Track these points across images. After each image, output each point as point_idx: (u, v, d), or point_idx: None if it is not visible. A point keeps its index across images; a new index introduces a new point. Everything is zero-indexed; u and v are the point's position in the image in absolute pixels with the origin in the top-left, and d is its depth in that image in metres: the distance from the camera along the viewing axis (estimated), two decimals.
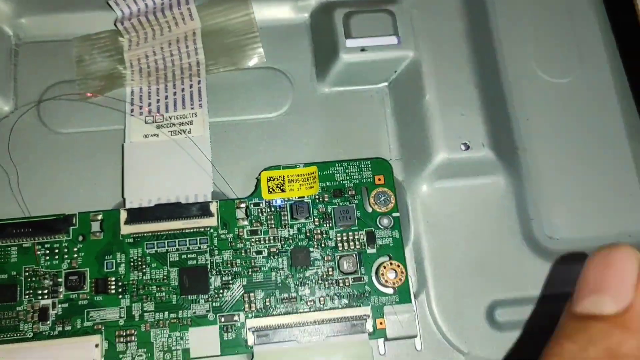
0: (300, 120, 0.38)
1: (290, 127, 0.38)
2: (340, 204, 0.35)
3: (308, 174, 0.35)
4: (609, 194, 0.36)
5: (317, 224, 0.35)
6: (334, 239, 0.34)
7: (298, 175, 0.35)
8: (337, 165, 0.36)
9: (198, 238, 0.34)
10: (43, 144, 0.36)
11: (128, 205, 0.34)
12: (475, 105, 0.37)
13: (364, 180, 0.36)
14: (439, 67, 0.37)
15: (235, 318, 0.33)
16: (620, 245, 0.25)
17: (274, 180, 0.35)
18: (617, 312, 0.24)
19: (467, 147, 0.36)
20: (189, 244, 0.34)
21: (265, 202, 0.35)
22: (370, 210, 0.35)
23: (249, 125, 0.37)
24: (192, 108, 0.36)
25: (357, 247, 0.34)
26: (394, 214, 0.35)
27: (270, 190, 0.35)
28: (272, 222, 0.35)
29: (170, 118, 0.36)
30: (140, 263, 0.33)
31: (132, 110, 0.36)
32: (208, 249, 0.34)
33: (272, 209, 0.35)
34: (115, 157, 0.36)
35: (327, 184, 0.35)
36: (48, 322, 0.32)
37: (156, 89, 0.37)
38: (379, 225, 0.35)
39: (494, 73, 0.38)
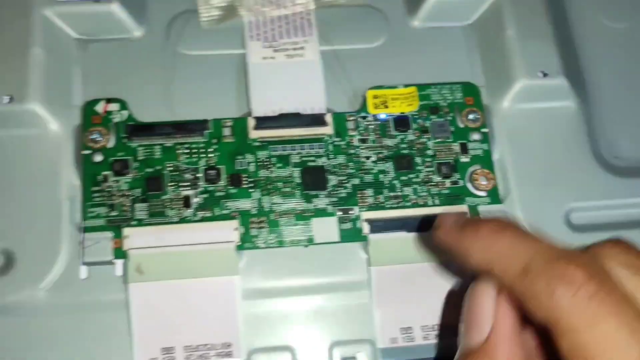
0: (395, 51, 0.43)
1: (388, 56, 0.43)
2: (437, 119, 0.40)
3: (408, 93, 0.40)
4: None
5: (417, 135, 0.39)
6: (432, 148, 0.39)
7: (399, 95, 0.40)
8: (432, 87, 0.41)
9: (316, 144, 0.39)
10: (174, 64, 0.41)
11: (255, 115, 0.39)
12: (550, 38, 0.42)
13: (456, 100, 0.41)
14: (518, 5, 0.43)
15: (351, 211, 0.38)
16: (478, 282, 0.27)
17: (378, 97, 0.40)
18: (479, 345, 0.26)
19: (545, 75, 0.41)
20: (308, 149, 0.39)
21: (372, 116, 0.40)
22: (462, 126, 0.40)
23: (352, 53, 0.42)
24: (304, 36, 0.41)
25: (453, 155, 0.39)
26: (483, 130, 0.40)
27: (375, 106, 0.40)
28: (378, 132, 0.39)
29: (285, 44, 0.41)
30: (267, 163, 0.38)
31: (251, 36, 0.41)
32: (325, 153, 0.39)
33: (378, 122, 0.40)
34: (238, 76, 0.41)
35: (425, 102, 0.40)
36: (191, 209, 0.37)
37: (270, 19, 0.42)
38: (470, 139, 0.40)
39: (564, 13, 0.44)
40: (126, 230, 0.36)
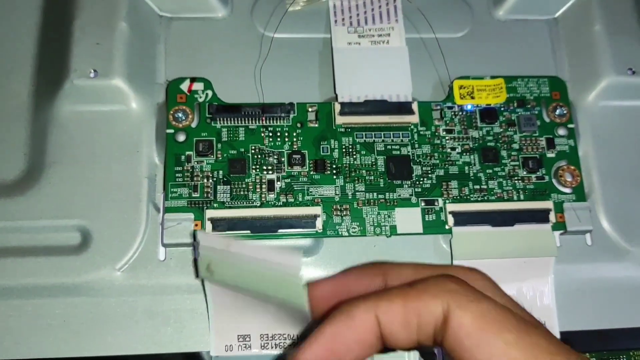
0: (479, 41, 0.41)
1: (472, 47, 0.41)
2: (523, 112, 0.39)
3: (495, 85, 0.39)
4: None
5: (503, 128, 0.38)
6: (518, 142, 0.38)
7: (486, 86, 0.39)
8: (519, 80, 0.39)
9: (401, 132, 0.38)
10: (258, 45, 0.40)
11: (340, 100, 0.38)
12: (639, 35, 0.40)
13: (542, 94, 0.39)
14: (607, 1, 0.41)
15: (435, 202, 0.36)
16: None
17: (464, 88, 0.39)
18: None
19: (633, 72, 0.40)
20: (393, 137, 0.37)
21: (458, 107, 0.38)
22: (548, 120, 0.39)
23: (435, 43, 0.41)
24: (389, 22, 0.40)
25: (539, 150, 0.38)
26: (569, 125, 0.39)
27: (462, 96, 0.39)
28: (465, 123, 0.38)
29: (370, 30, 0.40)
30: (351, 150, 0.37)
31: (335, 21, 0.40)
32: (409, 142, 0.37)
33: (464, 113, 0.38)
34: (323, 60, 0.39)
35: (511, 95, 0.39)
36: (273, 194, 0.36)
37: (355, 4, 0.40)
38: (557, 134, 0.38)
39: None
40: (209, 213, 0.35)
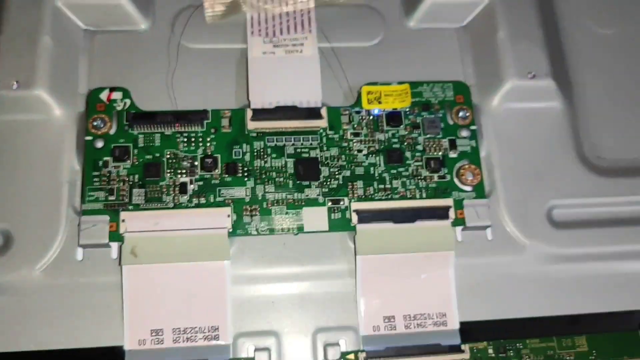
0: (390, 50, 0.43)
1: (382, 55, 0.43)
2: (428, 115, 0.40)
3: (401, 90, 0.41)
4: None
5: (408, 130, 0.40)
6: (422, 143, 0.40)
7: (392, 91, 0.41)
8: (424, 85, 0.41)
9: (310, 136, 0.39)
10: (177, 56, 0.42)
11: (253, 106, 0.39)
12: (540, 42, 0.42)
13: (447, 98, 0.41)
14: (510, 9, 0.43)
15: (341, 202, 0.38)
16: None
17: (372, 94, 0.41)
18: None
19: (533, 76, 0.41)
20: (303, 141, 0.39)
21: (365, 111, 0.40)
22: (451, 122, 0.40)
23: (348, 51, 0.43)
24: (303, 32, 0.42)
25: (441, 151, 0.40)
26: (472, 127, 0.40)
27: (369, 101, 0.40)
28: (371, 126, 0.40)
29: (285, 40, 0.42)
30: (262, 153, 0.39)
31: (252, 32, 0.42)
32: (318, 145, 0.39)
33: (371, 117, 0.40)
34: (238, 69, 0.41)
35: (417, 99, 0.41)
36: (186, 196, 0.37)
37: (272, 16, 0.42)
38: (459, 135, 0.40)
39: (554, 17, 0.44)
40: (123, 214, 0.36)
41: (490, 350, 0.37)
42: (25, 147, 0.38)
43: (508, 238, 0.39)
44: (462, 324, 0.38)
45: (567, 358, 0.37)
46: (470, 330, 0.38)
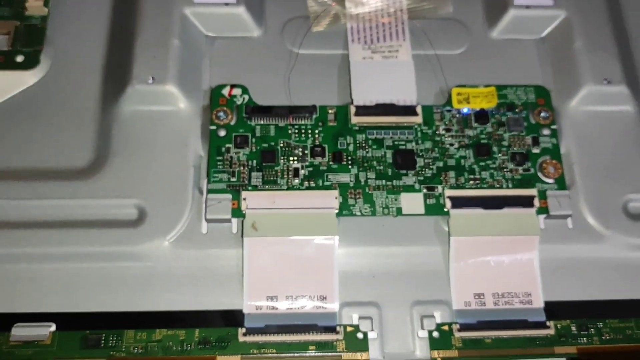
0: (474, 58, 0.46)
1: (467, 62, 0.45)
2: (512, 115, 0.42)
3: (487, 92, 0.43)
4: None
5: (494, 128, 0.42)
6: (507, 140, 0.42)
7: (480, 93, 0.43)
8: (509, 88, 0.43)
9: (406, 130, 0.42)
10: (287, 59, 0.45)
11: (355, 103, 0.42)
12: (614, 50, 0.44)
13: (529, 100, 0.43)
14: (585, 22, 0.45)
15: (436, 189, 0.40)
16: None
17: (461, 95, 0.43)
18: None
19: (608, 82, 0.43)
20: (400, 134, 0.41)
21: (455, 110, 0.42)
22: (533, 122, 0.42)
23: (438, 58, 0.45)
24: (398, 41, 0.45)
25: (525, 147, 0.41)
26: (552, 127, 0.42)
27: (459, 102, 0.43)
28: (461, 124, 0.42)
29: (382, 47, 0.44)
30: (364, 144, 0.41)
31: (352, 40, 0.44)
32: (414, 139, 0.41)
33: (461, 115, 0.42)
34: (341, 72, 0.44)
35: (502, 101, 0.43)
36: (298, 179, 0.40)
37: (369, 27, 0.45)
38: (541, 134, 0.42)
39: (625, 28, 0.46)
40: (244, 194, 0.39)
41: (574, 328, 0.38)
42: (157, 134, 0.41)
43: (588, 227, 0.41)
44: (546, 303, 0.39)
45: None
46: (553, 310, 0.39)
